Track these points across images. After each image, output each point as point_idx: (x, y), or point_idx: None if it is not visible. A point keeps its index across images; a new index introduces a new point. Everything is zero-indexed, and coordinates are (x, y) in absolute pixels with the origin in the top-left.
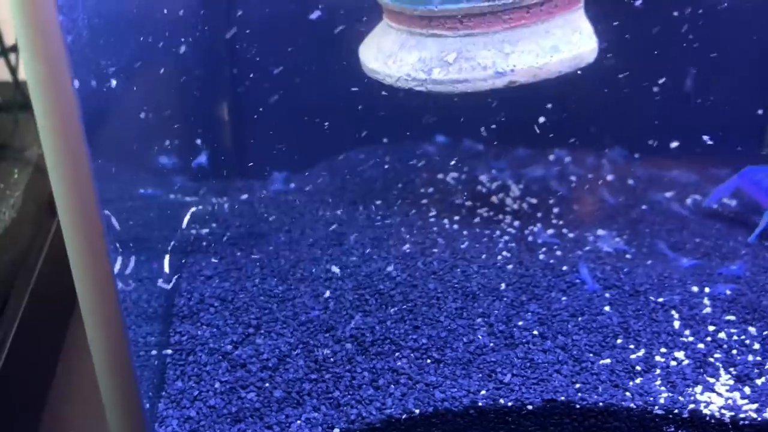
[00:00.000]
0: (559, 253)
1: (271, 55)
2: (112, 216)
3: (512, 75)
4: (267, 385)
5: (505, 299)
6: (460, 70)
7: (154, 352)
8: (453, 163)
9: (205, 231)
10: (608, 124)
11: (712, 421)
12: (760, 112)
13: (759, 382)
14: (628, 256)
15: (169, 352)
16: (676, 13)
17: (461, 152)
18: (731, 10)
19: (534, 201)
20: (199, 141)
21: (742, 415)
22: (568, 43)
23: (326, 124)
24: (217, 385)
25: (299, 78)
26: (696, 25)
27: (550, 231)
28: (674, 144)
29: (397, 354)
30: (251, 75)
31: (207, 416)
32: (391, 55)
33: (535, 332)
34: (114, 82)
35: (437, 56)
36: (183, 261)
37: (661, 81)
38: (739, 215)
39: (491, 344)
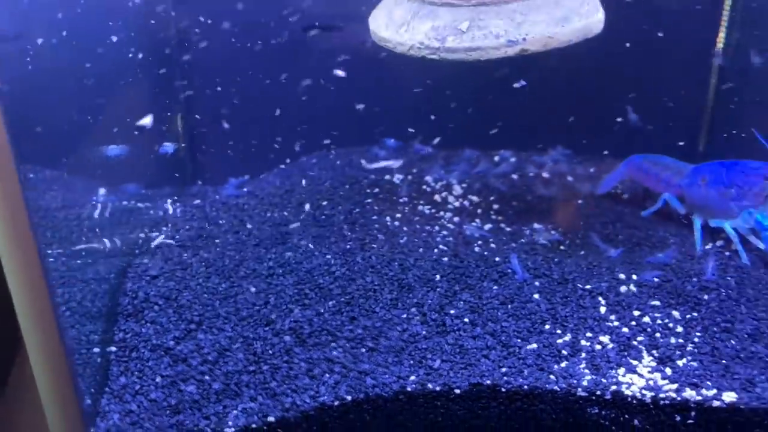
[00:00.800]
0: (493, 245)
1: (226, 66)
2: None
3: (524, 44)
4: (207, 377)
5: (439, 289)
6: (473, 39)
7: (97, 350)
8: (401, 164)
9: (154, 234)
10: (551, 126)
11: (634, 401)
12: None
13: (680, 363)
14: (562, 247)
15: (114, 349)
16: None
17: (410, 155)
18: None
19: (476, 199)
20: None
21: (662, 395)
22: (578, 14)
23: (281, 132)
24: (158, 379)
25: (255, 87)
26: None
27: (488, 226)
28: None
29: (333, 344)
30: (206, 85)
31: (147, 409)
32: (403, 24)
33: (466, 320)
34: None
35: (450, 24)
36: (129, 263)
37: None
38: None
39: (423, 332)
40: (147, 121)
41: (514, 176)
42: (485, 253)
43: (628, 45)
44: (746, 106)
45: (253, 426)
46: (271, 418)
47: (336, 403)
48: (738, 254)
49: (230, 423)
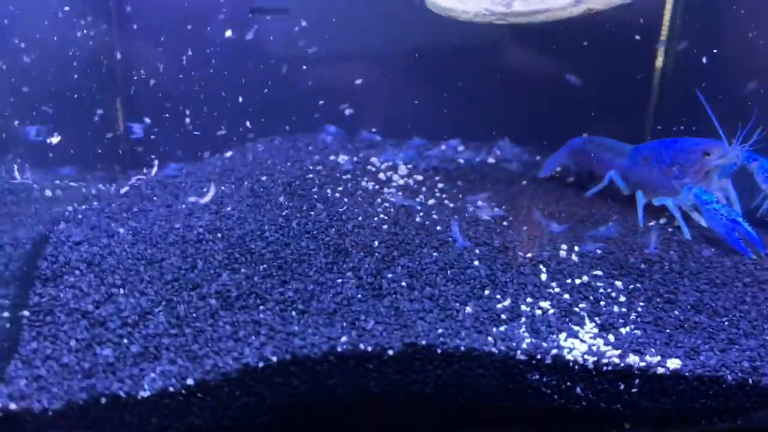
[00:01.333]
0: (435, 217)
1: (172, 52)
2: None
3: (589, 2)
4: (125, 341)
5: (376, 255)
6: (542, 0)
7: (6, 314)
8: (346, 148)
9: (83, 207)
10: (501, 118)
11: (576, 366)
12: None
13: (623, 330)
14: (504, 222)
15: (26, 313)
16: None
17: (357, 142)
18: None
19: (420, 178)
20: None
21: (605, 361)
22: None
23: (227, 120)
24: (72, 343)
25: (203, 75)
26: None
27: (431, 201)
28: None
29: (261, 307)
30: (149, 71)
31: (57, 374)
32: None
33: (404, 283)
34: None
35: None
36: (51, 230)
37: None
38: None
39: (359, 295)
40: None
41: (461, 160)
42: (426, 222)
43: (585, 43)
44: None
45: (171, 389)
46: (189, 381)
47: (260, 364)
48: (680, 230)
49: (146, 386)
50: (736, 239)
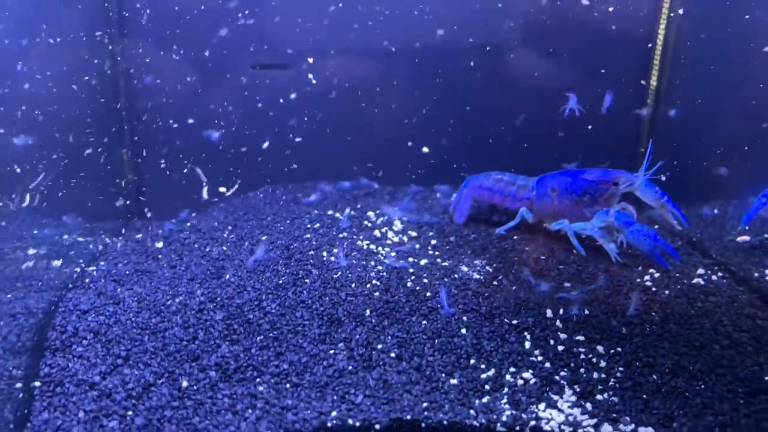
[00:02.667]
0: (426, 281)
1: (173, 102)
2: None
3: None
4: (130, 413)
5: (368, 324)
6: None
7: (19, 386)
8: (345, 200)
9: (91, 269)
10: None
11: None
12: None
13: (600, 397)
14: (495, 282)
15: (38, 384)
16: None
17: (356, 190)
18: None
19: (414, 234)
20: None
21: (580, 431)
22: None
23: (230, 166)
24: (81, 414)
25: (203, 124)
26: None
27: (424, 261)
28: None
29: (258, 380)
30: (153, 122)
31: None
32: None
33: (393, 354)
34: None
35: None
36: (60, 298)
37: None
38: None
39: (350, 367)
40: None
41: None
42: (417, 288)
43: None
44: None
45: None
46: None
47: None
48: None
49: None
50: (658, 254)
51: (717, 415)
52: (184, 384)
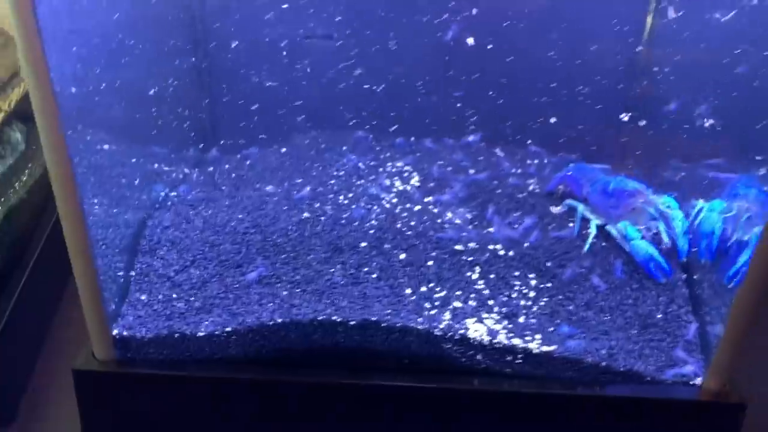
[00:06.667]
0: (413, 223)
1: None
2: None
3: None
4: (192, 298)
5: (361, 253)
6: None
7: (121, 274)
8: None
9: (173, 194)
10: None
11: (475, 342)
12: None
13: (521, 320)
14: (469, 226)
15: (133, 274)
16: None
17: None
18: None
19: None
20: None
21: (499, 339)
22: None
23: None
24: (160, 296)
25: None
26: None
27: (418, 207)
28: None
29: (278, 285)
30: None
31: (150, 315)
32: None
33: (374, 275)
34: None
35: None
36: (150, 215)
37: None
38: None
39: (342, 282)
40: None
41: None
42: (404, 228)
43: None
44: None
45: (216, 332)
46: (228, 328)
47: (270, 323)
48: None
49: (202, 329)
50: (650, 268)
51: (611, 341)
52: (229, 282)
